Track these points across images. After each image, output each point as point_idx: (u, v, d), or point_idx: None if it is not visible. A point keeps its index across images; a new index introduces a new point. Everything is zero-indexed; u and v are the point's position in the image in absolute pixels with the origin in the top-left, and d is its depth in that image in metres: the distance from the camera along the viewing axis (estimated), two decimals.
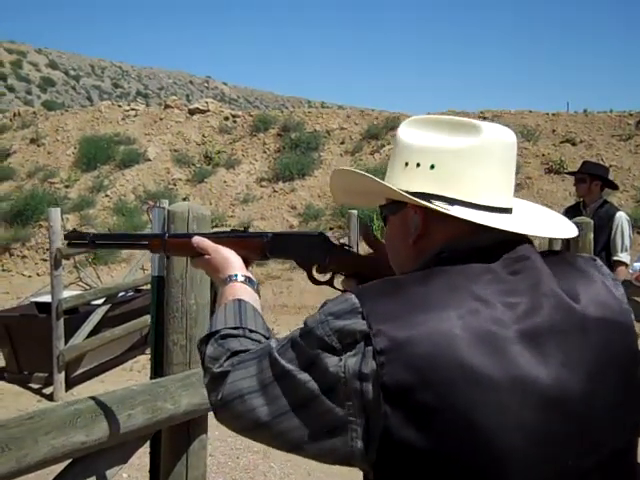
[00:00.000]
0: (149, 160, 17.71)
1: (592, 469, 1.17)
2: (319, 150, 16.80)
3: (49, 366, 7.94)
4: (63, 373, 7.86)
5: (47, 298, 9.54)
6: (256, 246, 1.60)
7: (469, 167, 1.26)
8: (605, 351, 1.20)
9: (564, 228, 1.38)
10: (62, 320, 7.85)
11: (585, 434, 1.16)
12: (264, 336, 1.35)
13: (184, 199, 14.75)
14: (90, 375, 8.51)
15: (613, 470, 1.20)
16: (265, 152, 17.26)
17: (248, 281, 1.51)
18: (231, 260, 1.55)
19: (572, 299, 1.21)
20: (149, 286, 9.86)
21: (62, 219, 14.58)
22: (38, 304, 9.48)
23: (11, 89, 57.92)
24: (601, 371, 1.18)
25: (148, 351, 9.97)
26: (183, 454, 2.50)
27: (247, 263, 1.58)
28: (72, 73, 69.30)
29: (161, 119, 19.31)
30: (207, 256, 1.58)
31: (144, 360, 9.35)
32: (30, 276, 15.02)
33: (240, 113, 19.05)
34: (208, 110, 18.97)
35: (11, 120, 21.47)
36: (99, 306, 8.70)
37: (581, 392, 1.15)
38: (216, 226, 14.16)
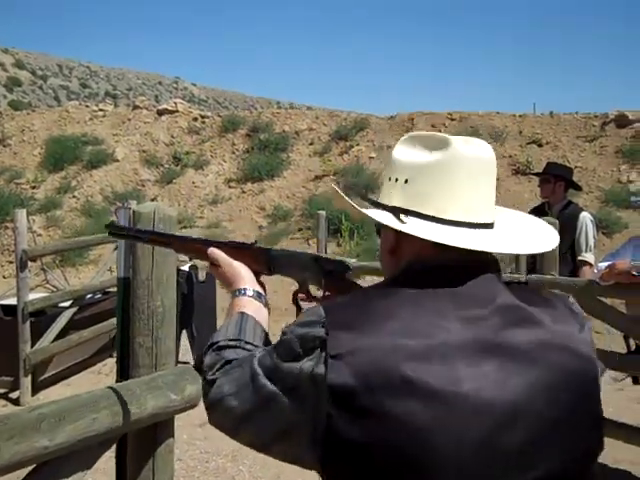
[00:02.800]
0: (117, 161, 17.56)
1: None
2: (288, 151, 16.76)
3: (15, 370, 7.79)
4: (29, 377, 7.73)
5: (13, 300, 9.45)
6: (263, 261, 1.66)
7: (437, 182, 1.29)
8: (559, 375, 1.22)
9: (539, 242, 1.38)
10: (28, 323, 7.73)
11: (523, 450, 1.17)
12: (259, 347, 1.43)
13: (152, 200, 14.66)
14: (57, 379, 8.39)
15: None
16: (234, 153, 17.19)
17: (257, 295, 1.58)
18: (242, 274, 1.62)
19: (530, 320, 1.24)
20: (117, 288, 9.88)
21: (28, 220, 14.50)
22: (3, 306, 9.35)
23: None
24: (550, 394, 1.20)
25: (116, 354, 9.89)
26: (149, 458, 2.48)
27: (257, 275, 1.65)
28: (39, 73, 68.63)
29: (129, 120, 19.16)
30: (220, 268, 1.65)
31: (112, 363, 9.22)
32: None
33: (209, 114, 18.98)
34: (177, 111, 18.86)
35: None
36: (66, 308, 8.58)
37: (523, 409, 1.17)
38: (184, 227, 14.11)
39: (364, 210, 1.35)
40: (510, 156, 15.24)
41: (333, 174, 15.55)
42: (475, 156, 1.30)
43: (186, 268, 8.35)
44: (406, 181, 1.31)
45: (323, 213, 9.49)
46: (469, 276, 1.25)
